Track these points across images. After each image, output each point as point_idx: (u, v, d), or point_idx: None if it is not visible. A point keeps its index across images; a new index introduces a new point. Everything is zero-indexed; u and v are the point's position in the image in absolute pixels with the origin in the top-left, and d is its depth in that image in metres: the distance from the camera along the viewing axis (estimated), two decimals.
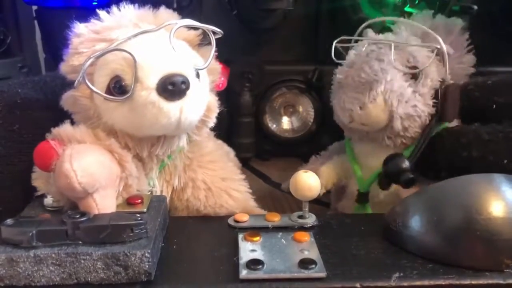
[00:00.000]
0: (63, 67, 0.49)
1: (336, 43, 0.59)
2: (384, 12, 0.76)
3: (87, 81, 0.44)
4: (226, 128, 0.82)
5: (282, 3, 0.77)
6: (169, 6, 0.77)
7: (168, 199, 0.52)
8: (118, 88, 0.45)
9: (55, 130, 0.45)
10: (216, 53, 0.49)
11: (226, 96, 0.79)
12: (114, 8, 0.50)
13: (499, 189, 0.40)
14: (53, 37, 0.80)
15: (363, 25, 0.60)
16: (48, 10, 0.78)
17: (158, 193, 0.52)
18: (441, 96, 0.54)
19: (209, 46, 0.48)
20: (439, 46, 0.53)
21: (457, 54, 0.58)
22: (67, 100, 0.49)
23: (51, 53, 0.84)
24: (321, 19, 0.86)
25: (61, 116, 0.48)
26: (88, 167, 0.40)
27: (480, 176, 0.43)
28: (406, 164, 0.51)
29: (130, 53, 0.43)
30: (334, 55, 0.58)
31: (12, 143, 0.49)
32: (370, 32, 0.60)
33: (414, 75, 0.55)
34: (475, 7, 0.74)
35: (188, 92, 0.44)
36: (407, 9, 0.76)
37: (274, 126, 0.84)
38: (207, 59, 0.47)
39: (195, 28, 0.49)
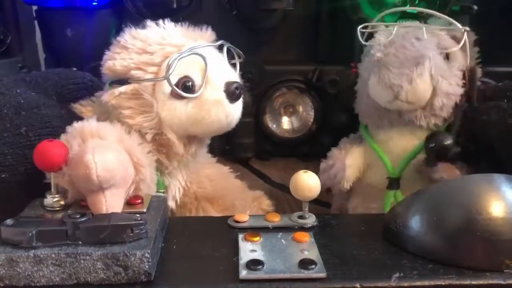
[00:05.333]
0: (121, 64, 0.51)
1: (361, 28, 0.61)
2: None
3: (169, 77, 0.49)
4: None
5: (282, 3, 0.77)
6: (169, 6, 0.78)
7: (179, 196, 0.58)
8: (185, 87, 0.51)
9: (78, 125, 0.46)
10: None
11: None
12: (150, 23, 0.55)
13: (499, 189, 0.40)
14: (53, 37, 0.80)
15: (385, 12, 0.62)
16: (48, 10, 0.78)
17: (172, 193, 0.57)
18: (468, 77, 0.57)
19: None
20: (467, 28, 0.56)
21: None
22: (119, 94, 0.50)
23: (51, 53, 0.84)
24: (321, 19, 0.86)
25: (65, 114, 0.48)
26: (109, 163, 0.41)
27: (480, 176, 0.43)
28: (450, 139, 0.53)
29: (204, 58, 0.51)
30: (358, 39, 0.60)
31: (19, 150, 0.49)
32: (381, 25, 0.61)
33: (445, 57, 0.57)
34: (475, 7, 0.74)
35: (241, 97, 0.54)
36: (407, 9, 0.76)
37: (274, 126, 0.84)
38: None
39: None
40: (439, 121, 0.58)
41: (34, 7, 0.82)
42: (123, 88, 0.51)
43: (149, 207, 0.46)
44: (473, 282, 0.37)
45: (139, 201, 0.46)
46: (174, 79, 0.50)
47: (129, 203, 0.46)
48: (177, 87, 0.50)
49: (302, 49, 0.89)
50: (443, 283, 0.37)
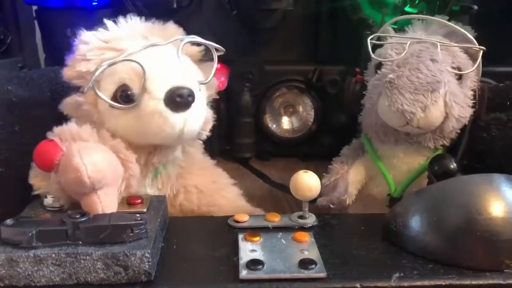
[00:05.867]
0: (67, 72, 0.49)
1: (370, 40, 0.57)
2: (384, 12, 0.76)
3: (96, 89, 0.46)
4: (226, 128, 0.82)
5: (282, 3, 0.77)
6: (169, 6, 0.78)
7: None
8: (124, 96, 0.46)
9: (58, 129, 0.45)
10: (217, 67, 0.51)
11: (226, 96, 0.79)
12: (121, 19, 0.52)
13: (499, 189, 0.40)
14: (53, 37, 0.80)
15: (390, 21, 0.59)
16: (48, 10, 0.78)
17: None
18: (479, 96, 0.54)
19: (209, 62, 0.51)
20: (483, 48, 0.54)
21: None
22: (68, 104, 0.49)
23: (51, 53, 0.84)
24: (321, 19, 0.86)
25: (59, 113, 0.48)
26: (98, 163, 0.41)
27: (480, 176, 0.43)
28: (454, 164, 0.51)
29: (140, 64, 0.45)
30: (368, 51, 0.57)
31: (15, 145, 0.49)
32: (391, 30, 0.59)
33: (460, 76, 0.54)
34: (475, 7, 0.74)
35: (192, 105, 0.46)
36: (407, 9, 0.76)
37: (274, 126, 0.84)
38: (206, 74, 0.50)
39: (198, 44, 0.52)
40: (446, 142, 0.56)
41: (34, 7, 0.82)
42: (68, 99, 0.49)
43: (149, 207, 0.46)
44: (473, 282, 0.37)
45: (139, 201, 0.46)
46: (111, 88, 0.47)
47: (129, 203, 0.46)
48: (116, 97, 0.47)
49: (302, 49, 0.89)
50: (443, 283, 0.37)
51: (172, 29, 0.53)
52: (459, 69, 0.54)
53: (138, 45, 0.47)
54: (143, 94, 0.46)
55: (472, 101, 0.55)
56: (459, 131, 0.55)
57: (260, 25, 0.84)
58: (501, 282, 0.37)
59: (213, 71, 0.50)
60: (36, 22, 0.83)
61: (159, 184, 0.54)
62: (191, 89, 0.46)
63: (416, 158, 0.56)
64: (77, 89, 0.49)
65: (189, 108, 0.46)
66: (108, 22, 0.51)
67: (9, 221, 0.39)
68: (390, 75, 0.53)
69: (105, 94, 0.46)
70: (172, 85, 0.46)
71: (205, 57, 0.53)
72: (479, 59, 0.54)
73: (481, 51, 0.54)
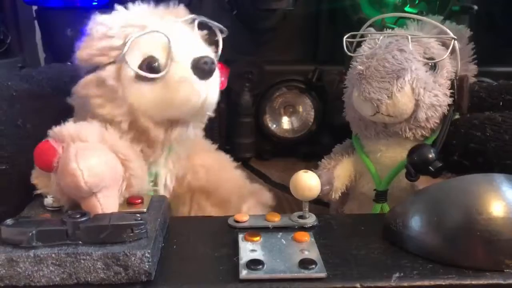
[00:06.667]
0: (84, 52, 0.50)
1: (347, 38, 0.59)
2: (384, 12, 0.76)
3: (127, 60, 0.47)
4: (226, 128, 0.82)
5: (282, 3, 0.77)
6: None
7: (171, 186, 0.56)
8: (151, 68, 0.48)
9: (57, 129, 0.45)
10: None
11: (226, 96, 0.79)
12: (130, 5, 0.53)
13: (499, 189, 0.40)
14: (53, 37, 0.80)
15: (369, 21, 0.60)
16: (48, 10, 0.78)
17: (162, 182, 0.55)
18: (457, 86, 0.55)
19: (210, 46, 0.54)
20: (455, 37, 0.55)
21: (463, 61, 0.57)
22: (88, 83, 0.49)
23: (51, 53, 0.84)
24: (321, 19, 0.86)
25: (61, 105, 0.48)
26: (94, 167, 0.41)
27: (480, 176, 0.43)
28: (432, 153, 0.52)
29: (166, 35, 0.48)
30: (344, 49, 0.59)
31: (18, 140, 0.49)
32: (373, 31, 0.60)
33: (432, 66, 0.55)
34: (475, 7, 0.74)
35: (214, 74, 0.50)
36: (407, 9, 0.76)
37: (274, 126, 0.84)
38: None
39: (202, 30, 0.54)
40: (426, 132, 0.56)
41: (34, 7, 0.82)
42: (89, 77, 0.49)
43: (149, 207, 0.46)
44: (473, 282, 0.37)
45: (139, 201, 0.46)
46: (137, 60, 0.48)
47: (129, 203, 0.46)
48: (142, 69, 0.48)
49: (302, 49, 0.89)
50: (443, 283, 0.37)
51: (184, 11, 0.55)
52: (432, 59, 0.55)
53: (158, 22, 0.50)
54: (170, 64, 0.48)
55: (450, 91, 0.55)
56: (438, 121, 0.56)
57: (260, 25, 0.84)
58: (501, 282, 0.37)
59: (219, 48, 0.53)
60: (36, 22, 0.83)
61: (169, 165, 0.55)
62: (213, 58, 0.49)
63: (398, 151, 0.58)
64: (86, 72, 0.50)
65: (211, 77, 0.49)
66: (119, 7, 0.52)
67: (9, 221, 0.39)
68: (359, 67, 0.56)
69: (130, 69, 0.48)
70: (197, 55, 0.49)
71: (208, 39, 0.55)
72: (451, 47, 0.54)
73: (453, 41, 0.55)
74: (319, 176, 0.59)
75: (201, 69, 0.48)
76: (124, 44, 0.47)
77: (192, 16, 0.53)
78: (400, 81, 0.53)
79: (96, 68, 0.49)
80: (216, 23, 0.53)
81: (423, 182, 0.54)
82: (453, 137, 0.55)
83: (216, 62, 0.49)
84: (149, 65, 0.48)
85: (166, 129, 0.51)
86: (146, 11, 0.53)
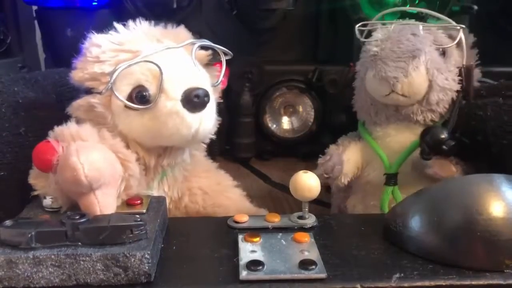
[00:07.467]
0: (78, 74, 0.49)
1: (359, 27, 0.61)
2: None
3: (114, 90, 0.46)
4: (226, 128, 0.82)
5: (282, 3, 0.77)
6: (169, 6, 0.78)
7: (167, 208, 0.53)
8: (140, 97, 0.47)
9: (58, 129, 0.45)
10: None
11: (226, 96, 0.79)
12: (131, 23, 0.52)
13: (499, 189, 0.40)
14: (53, 37, 0.80)
15: (384, 11, 0.63)
16: (48, 10, 0.78)
17: None
18: (465, 74, 0.57)
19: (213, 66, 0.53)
20: (463, 26, 0.57)
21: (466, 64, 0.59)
22: (80, 106, 0.49)
23: (51, 53, 0.84)
24: (321, 19, 0.86)
25: (65, 115, 0.48)
26: (95, 162, 0.41)
27: (480, 176, 0.43)
28: (445, 133, 0.54)
29: (157, 65, 0.46)
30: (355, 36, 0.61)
31: (18, 148, 0.49)
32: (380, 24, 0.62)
33: (441, 53, 0.57)
34: (475, 7, 0.74)
35: (207, 105, 0.47)
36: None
37: (274, 126, 0.84)
38: (212, 77, 0.51)
39: (205, 49, 0.52)
40: (435, 116, 0.58)
41: (34, 7, 0.82)
42: (79, 101, 0.49)
43: (148, 208, 0.46)
44: (473, 282, 0.37)
45: (139, 202, 0.46)
46: (127, 89, 0.47)
47: (128, 204, 0.46)
48: (131, 97, 0.47)
49: (302, 49, 0.89)
50: (443, 283, 0.37)
51: (184, 33, 0.54)
52: (441, 45, 0.57)
53: (153, 48, 0.48)
54: (160, 95, 0.46)
55: (459, 77, 0.57)
56: (447, 107, 0.58)
57: (260, 25, 0.84)
58: (501, 282, 0.37)
59: (221, 75, 0.51)
60: (36, 22, 0.83)
61: (165, 187, 0.54)
62: (207, 90, 0.47)
63: (408, 135, 0.59)
64: (84, 91, 0.49)
65: (204, 109, 0.47)
66: (118, 26, 0.51)
67: (8, 222, 0.39)
68: (374, 48, 0.58)
69: (121, 96, 0.47)
70: (189, 86, 0.47)
71: (212, 61, 0.54)
72: (460, 36, 0.57)
73: (461, 30, 0.57)
74: (330, 157, 0.62)
75: (192, 102, 0.46)
76: (111, 75, 0.45)
77: (192, 40, 0.50)
78: (415, 60, 0.55)
79: (91, 89, 0.49)
80: (219, 46, 0.51)
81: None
82: (457, 122, 0.56)
83: (209, 94, 0.47)
84: (138, 94, 0.47)
85: (158, 155, 0.50)
86: (144, 32, 0.52)
